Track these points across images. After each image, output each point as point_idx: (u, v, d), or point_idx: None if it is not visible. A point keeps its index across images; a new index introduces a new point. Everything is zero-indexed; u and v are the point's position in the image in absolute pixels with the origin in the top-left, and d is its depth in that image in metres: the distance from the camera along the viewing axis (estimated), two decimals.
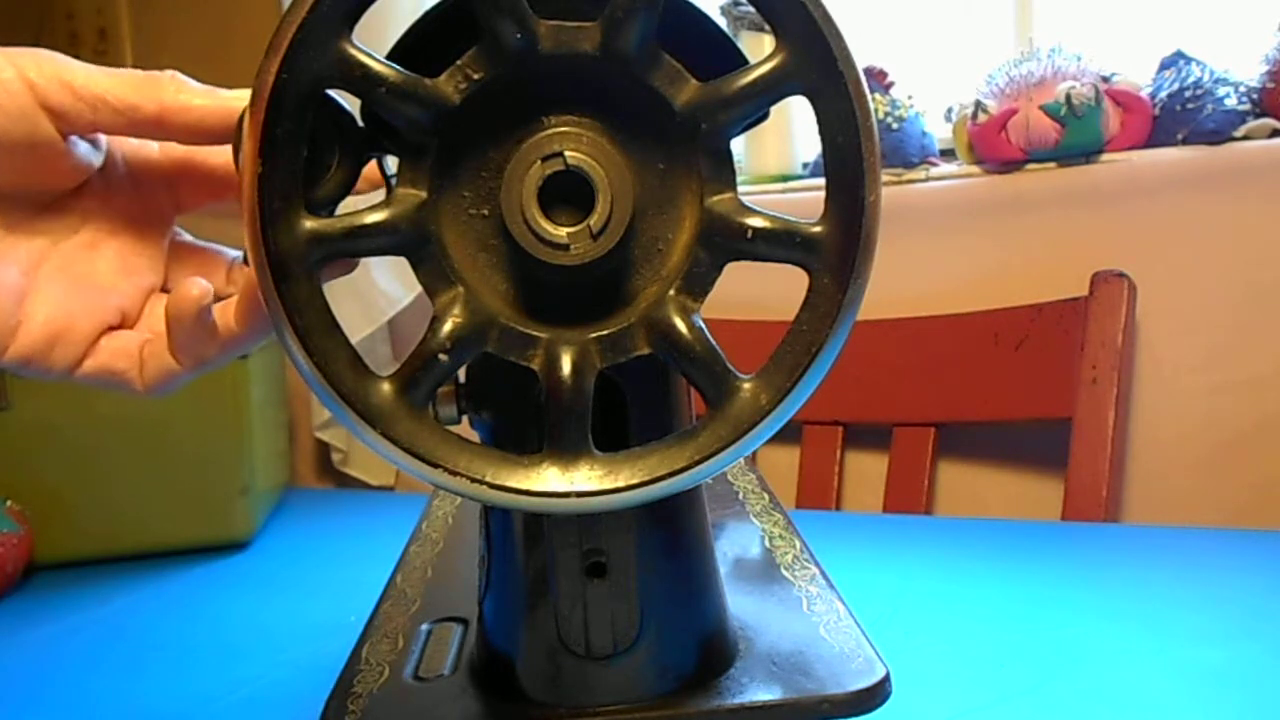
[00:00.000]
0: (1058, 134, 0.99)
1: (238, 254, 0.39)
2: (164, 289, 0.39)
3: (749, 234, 0.31)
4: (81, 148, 0.35)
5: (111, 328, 0.37)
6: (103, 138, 0.36)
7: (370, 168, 0.36)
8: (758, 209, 0.32)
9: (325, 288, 0.31)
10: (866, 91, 0.31)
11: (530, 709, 0.38)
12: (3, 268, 0.34)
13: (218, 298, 0.36)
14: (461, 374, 0.37)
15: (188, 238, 0.40)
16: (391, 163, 0.33)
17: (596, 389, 0.32)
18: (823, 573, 0.49)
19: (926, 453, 1.03)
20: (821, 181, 0.31)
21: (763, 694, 0.38)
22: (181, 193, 0.39)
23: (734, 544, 0.54)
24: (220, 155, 0.38)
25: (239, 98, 0.34)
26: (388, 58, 0.30)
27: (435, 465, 0.31)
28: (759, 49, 0.39)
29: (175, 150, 0.38)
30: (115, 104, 0.33)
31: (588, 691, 0.38)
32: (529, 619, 0.39)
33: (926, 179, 1.08)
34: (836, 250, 0.31)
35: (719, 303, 0.34)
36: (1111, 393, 0.93)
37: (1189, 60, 1.00)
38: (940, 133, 1.12)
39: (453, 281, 0.32)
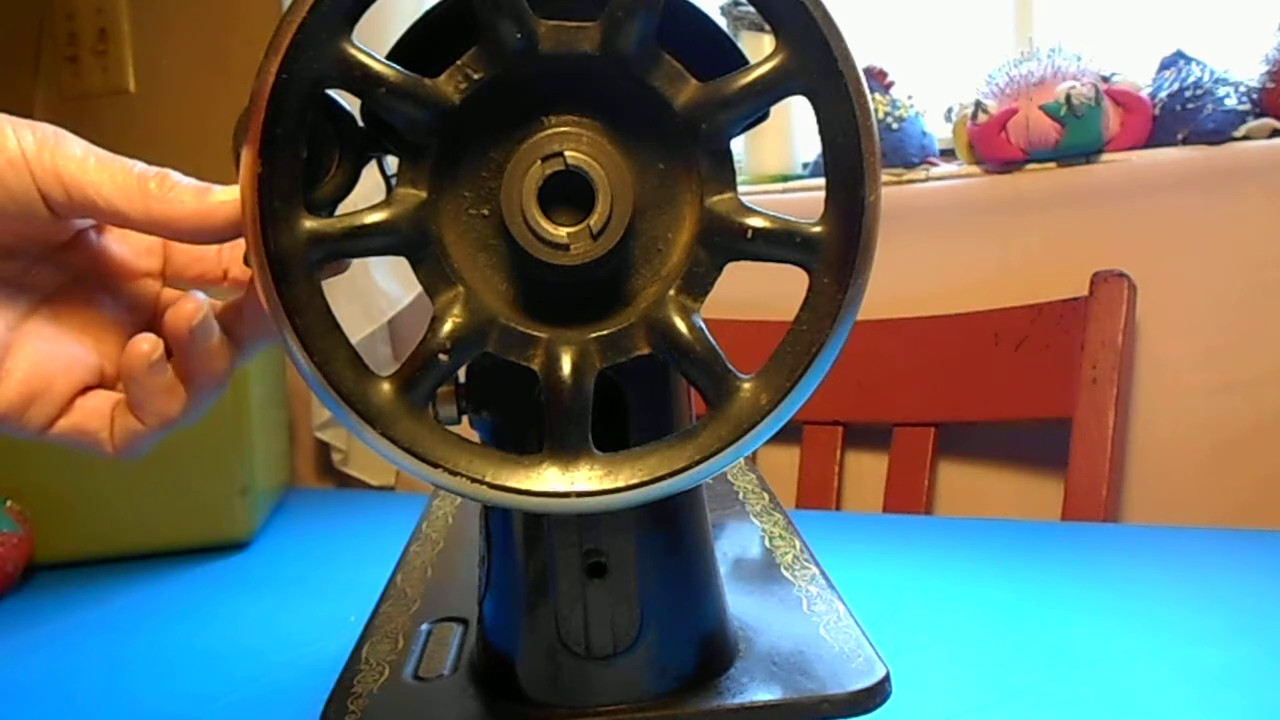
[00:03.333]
0: (1058, 134, 0.99)
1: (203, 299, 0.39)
2: None
3: (749, 234, 0.31)
4: (76, 220, 0.35)
5: (89, 387, 0.36)
6: None
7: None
8: (758, 209, 0.32)
9: (325, 288, 0.31)
10: (866, 91, 0.31)
11: (530, 709, 0.38)
12: None
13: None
14: (461, 374, 0.37)
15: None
16: (391, 163, 0.33)
17: (596, 389, 0.32)
18: (823, 573, 0.49)
19: (926, 453, 1.03)
20: (821, 181, 0.31)
21: (763, 694, 0.38)
22: (172, 269, 0.39)
23: (734, 544, 0.54)
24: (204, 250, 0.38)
25: (228, 199, 0.34)
26: (388, 58, 0.31)
27: (435, 465, 0.31)
28: (759, 49, 0.39)
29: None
30: (103, 208, 0.33)
31: (588, 691, 0.38)
32: (529, 619, 0.39)
33: (926, 179, 1.08)
34: (836, 250, 0.31)
35: (719, 303, 0.34)
36: (1111, 393, 0.93)
37: (1189, 60, 1.00)
38: (940, 133, 1.12)
39: (453, 281, 0.32)
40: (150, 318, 0.38)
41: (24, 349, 0.35)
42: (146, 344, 0.34)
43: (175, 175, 0.34)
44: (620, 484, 0.32)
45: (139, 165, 0.34)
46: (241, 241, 0.32)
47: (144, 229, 0.34)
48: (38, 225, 0.33)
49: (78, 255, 0.36)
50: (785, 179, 1.16)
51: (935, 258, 1.07)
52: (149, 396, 0.35)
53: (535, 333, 0.32)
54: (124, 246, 0.38)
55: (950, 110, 1.09)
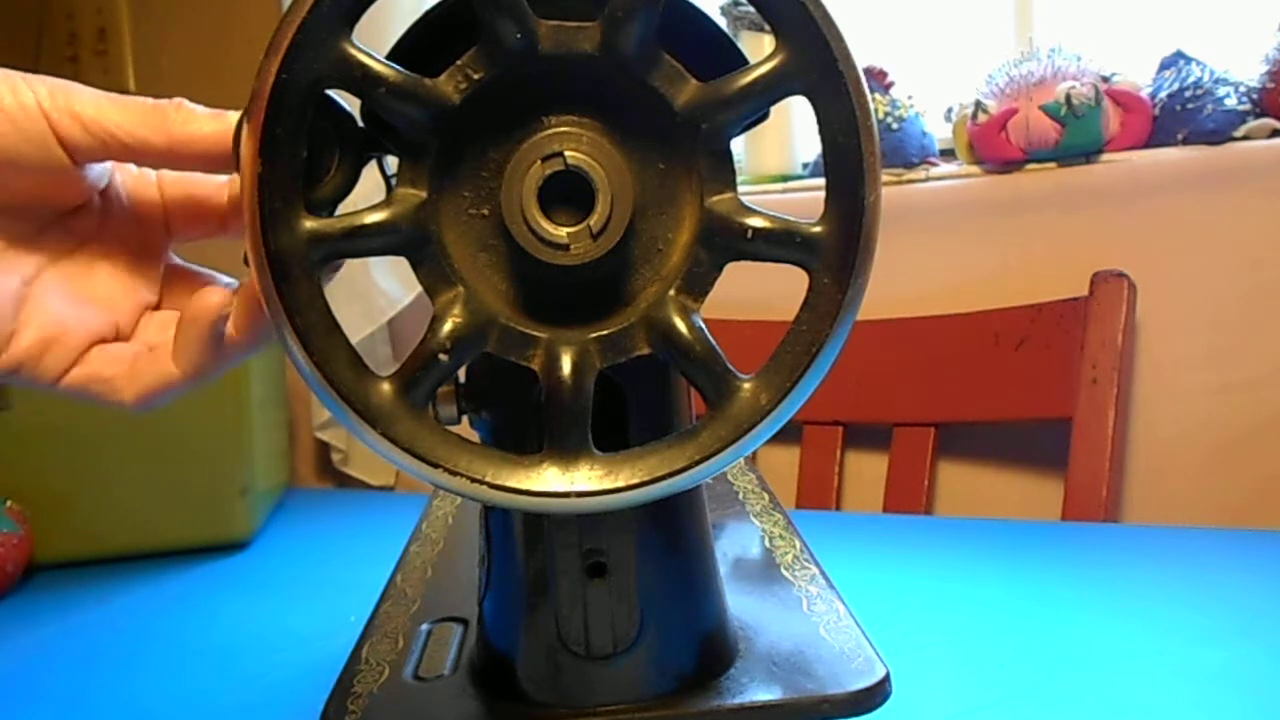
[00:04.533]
0: (1058, 134, 0.99)
1: (232, 282, 0.39)
2: (158, 309, 0.39)
3: (749, 234, 0.31)
4: (92, 171, 0.36)
5: (104, 340, 0.37)
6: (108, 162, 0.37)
7: None
8: (758, 209, 0.32)
9: (325, 288, 0.31)
10: (866, 91, 0.31)
11: (530, 709, 0.38)
12: (5, 276, 0.35)
13: None
14: (461, 374, 0.37)
15: (182, 262, 0.41)
16: (391, 163, 0.33)
17: (596, 389, 0.32)
18: (823, 573, 0.49)
19: (926, 453, 1.03)
20: (821, 181, 0.31)
21: (763, 694, 0.38)
22: (175, 225, 0.39)
23: (734, 544, 0.54)
24: (215, 191, 0.39)
25: None
26: (388, 58, 0.31)
27: (435, 465, 0.31)
28: (759, 49, 0.39)
29: (172, 188, 0.39)
30: (125, 139, 0.34)
31: (588, 691, 0.38)
32: (529, 619, 0.39)
33: (926, 179, 1.08)
34: (836, 250, 0.31)
35: (719, 303, 0.34)
36: (1111, 393, 0.93)
37: (1189, 60, 1.00)
38: (940, 133, 1.12)
39: (453, 281, 0.32)
40: (157, 280, 0.39)
41: (38, 302, 0.35)
42: (218, 296, 0.35)
43: (188, 104, 0.35)
44: (620, 484, 0.32)
45: (150, 99, 0.35)
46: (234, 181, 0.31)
47: (166, 157, 0.35)
48: (53, 179, 0.34)
49: (85, 221, 0.37)
50: (785, 179, 1.16)
51: (935, 258, 1.07)
52: (198, 346, 0.35)
53: (535, 333, 0.32)
54: (129, 210, 0.38)
55: (950, 110, 1.09)
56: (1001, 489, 1.07)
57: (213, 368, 0.36)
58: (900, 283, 1.04)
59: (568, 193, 0.30)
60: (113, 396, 0.36)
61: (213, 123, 0.35)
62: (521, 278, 0.33)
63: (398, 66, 0.30)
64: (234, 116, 0.35)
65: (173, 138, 0.34)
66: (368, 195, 0.33)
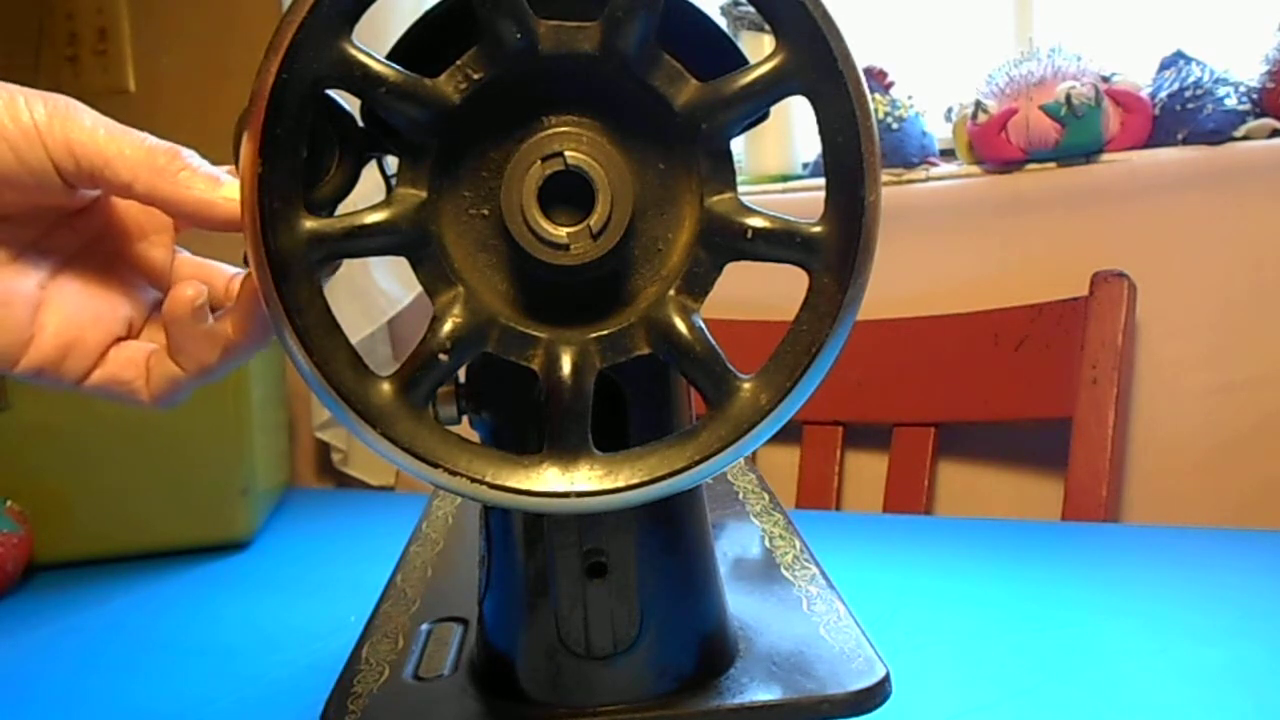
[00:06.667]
0: (1058, 134, 0.99)
1: (238, 271, 0.40)
2: None
3: (749, 234, 0.31)
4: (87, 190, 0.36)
5: (119, 339, 0.37)
6: None
7: None
8: (758, 209, 0.32)
9: (325, 288, 0.31)
10: (866, 91, 0.31)
11: (530, 709, 0.38)
12: (20, 281, 0.35)
13: (215, 307, 0.37)
14: (461, 374, 0.37)
15: (188, 255, 0.41)
16: (391, 163, 0.33)
17: (596, 389, 0.32)
18: (823, 573, 0.49)
19: (926, 453, 1.03)
20: (821, 181, 0.31)
21: (763, 694, 0.38)
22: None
23: (734, 544, 0.54)
24: None
25: (235, 196, 0.33)
26: (388, 58, 0.31)
27: (435, 465, 0.31)
28: (759, 49, 0.39)
29: None
30: (111, 180, 0.34)
31: (588, 691, 0.38)
32: (529, 619, 0.39)
33: (926, 179, 1.08)
34: (836, 250, 0.31)
35: (719, 303, 0.34)
36: (1111, 393, 0.93)
37: (1189, 60, 1.00)
38: (940, 133, 1.12)
39: (453, 281, 0.32)
40: (166, 273, 0.39)
41: (54, 305, 0.36)
42: (191, 289, 0.35)
43: (188, 155, 0.35)
44: (620, 484, 0.32)
45: (149, 139, 0.34)
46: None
47: (147, 203, 0.35)
48: (52, 194, 0.34)
49: (92, 220, 0.38)
50: (785, 179, 1.16)
51: (935, 258, 1.07)
52: (190, 342, 0.36)
53: (535, 333, 0.32)
54: (134, 208, 0.38)
55: (950, 110, 1.09)
56: (1001, 489, 1.07)
57: (215, 363, 0.36)
58: (900, 283, 1.04)
59: (568, 193, 0.30)
60: (132, 397, 0.37)
61: (204, 187, 0.34)
62: (521, 278, 0.33)
63: (398, 66, 0.30)
64: (229, 185, 0.34)
65: (154, 191, 0.34)
66: (368, 195, 0.33)
